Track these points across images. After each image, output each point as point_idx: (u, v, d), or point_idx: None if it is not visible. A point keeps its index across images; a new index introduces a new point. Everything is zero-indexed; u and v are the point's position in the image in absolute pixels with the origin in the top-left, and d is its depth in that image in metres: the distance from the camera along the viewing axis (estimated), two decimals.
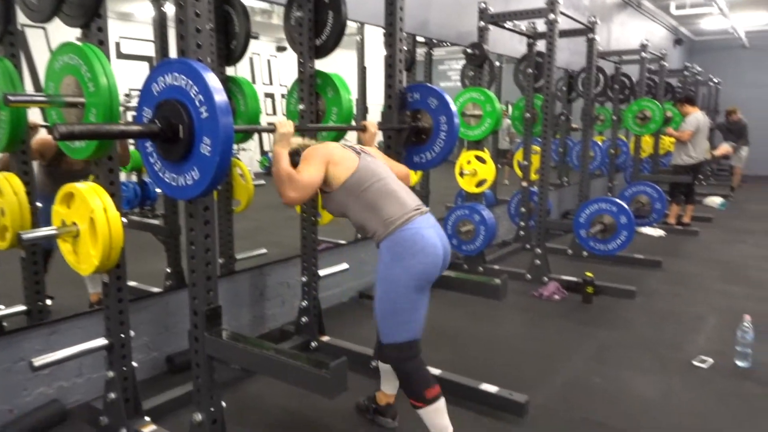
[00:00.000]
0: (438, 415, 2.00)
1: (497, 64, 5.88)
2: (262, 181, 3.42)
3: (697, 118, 6.33)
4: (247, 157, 6.75)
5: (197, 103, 1.52)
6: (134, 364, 2.16)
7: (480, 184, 4.18)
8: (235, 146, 4.26)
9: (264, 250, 3.51)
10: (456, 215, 4.25)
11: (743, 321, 2.98)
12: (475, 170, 4.16)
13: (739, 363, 2.96)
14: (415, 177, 4.80)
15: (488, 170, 4.14)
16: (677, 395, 2.69)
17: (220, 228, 3.18)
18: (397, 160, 2.68)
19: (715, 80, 11.18)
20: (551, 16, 4.03)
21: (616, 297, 4.05)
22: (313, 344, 2.99)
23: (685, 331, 3.47)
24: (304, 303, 2.98)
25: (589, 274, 4.03)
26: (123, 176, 3.59)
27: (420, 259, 1.90)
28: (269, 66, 6.89)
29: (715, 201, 8.35)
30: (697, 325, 3.58)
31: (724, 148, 8.80)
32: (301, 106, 2.78)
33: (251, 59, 6.55)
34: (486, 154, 4.15)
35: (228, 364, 2.11)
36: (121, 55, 4.34)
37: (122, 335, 2.10)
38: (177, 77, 1.56)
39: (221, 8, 2.98)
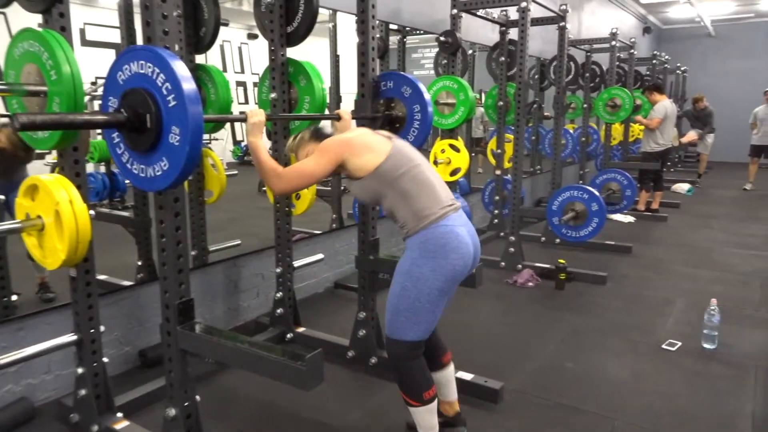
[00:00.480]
0: (430, 414, 1.95)
1: (470, 52, 5.89)
2: (235, 171, 3.37)
3: (665, 106, 6.45)
4: (220, 146, 6.63)
5: (165, 92, 1.48)
6: (105, 359, 2.12)
7: (454, 172, 4.19)
8: (206, 136, 4.23)
9: (238, 242, 3.47)
10: None
11: (710, 305, 3.07)
12: (449, 159, 4.16)
13: (706, 345, 3.04)
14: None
15: (462, 159, 4.14)
16: (647, 378, 2.76)
17: (192, 219, 3.13)
18: None
19: (683, 68, 11.40)
20: (523, 4, 4.04)
21: (588, 283, 4.12)
22: (289, 336, 2.97)
23: (654, 315, 3.56)
24: (279, 294, 2.96)
25: (561, 261, 4.08)
26: (91, 167, 3.51)
27: (452, 260, 1.83)
28: (241, 53, 6.76)
29: (682, 187, 8.54)
30: (666, 309, 3.66)
31: (691, 135, 9.00)
32: (273, 95, 2.74)
33: (222, 47, 6.41)
34: (460, 143, 4.16)
35: (201, 357, 2.08)
36: (86, 42, 4.21)
37: (92, 330, 2.05)
38: (143, 65, 1.52)
39: None
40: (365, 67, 2.56)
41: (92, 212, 1.82)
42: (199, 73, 2.96)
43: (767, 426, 2.34)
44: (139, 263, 3.14)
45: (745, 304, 3.78)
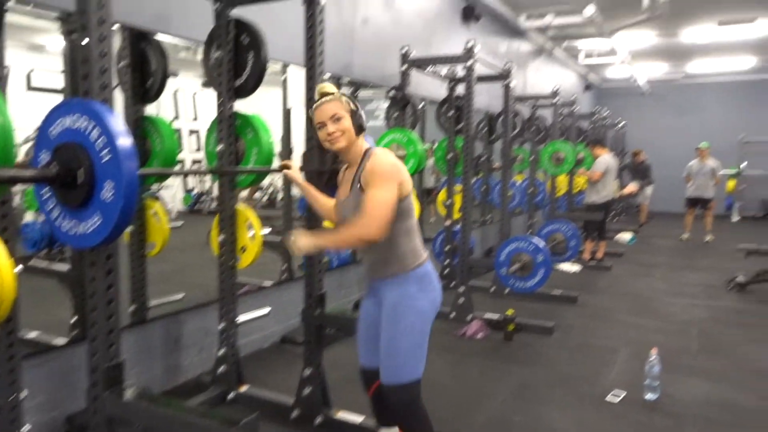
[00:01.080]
0: None
1: (421, 105, 6.05)
2: (180, 222, 3.29)
3: (606, 159, 6.77)
4: (170, 194, 6.52)
5: (99, 146, 1.45)
6: (27, 426, 1.97)
7: None
8: (155, 185, 4.13)
9: (181, 295, 3.36)
10: None
11: (650, 355, 3.14)
12: None
13: (648, 395, 3.09)
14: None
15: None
16: (592, 429, 2.77)
17: (132, 273, 3.02)
18: None
19: (621, 124, 12.04)
20: (469, 62, 4.22)
21: (535, 333, 4.17)
22: (231, 395, 2.85)
23: (599, 365, 3.61)
24: (222, 351, 2.85)
25: (510, 311, 4.12)
26: (30, 215, 3.36)
27: (437, 294, 2.02)
28: (194, 102, 6.74)
29: (625, 237, 8.87)
30: (611, 359, 3.73)
31: (632, 186, 9.43)
32: (219, 147, 2.72)
33: (175, 95, 6.39)
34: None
35: (130, 425, 1.96)
36: (31, 88, 4.13)
37: (13, 396, 1.91)
38: (77, 119, 1.48)
39: (137, 46, 2.90)
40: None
41: (19, 267, 1.72)
42: (144, 124, 2.91)
43: None
44: (74, 320, 2.97)
45: (684, 352, 3.89)
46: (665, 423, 2.85)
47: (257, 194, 7.40)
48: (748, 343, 4.12)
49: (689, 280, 6.27)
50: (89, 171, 1.46)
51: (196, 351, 3.23)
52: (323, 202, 2.24)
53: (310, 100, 2.60)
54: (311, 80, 2.59)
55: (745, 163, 12.48)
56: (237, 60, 2.69)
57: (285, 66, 4.11)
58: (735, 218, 12.26)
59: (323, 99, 1.93)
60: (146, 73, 2.90)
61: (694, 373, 3.51)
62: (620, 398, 3.10)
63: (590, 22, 7.10)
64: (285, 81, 4.25)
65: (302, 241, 1.88)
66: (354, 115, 1.91)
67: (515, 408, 2.99)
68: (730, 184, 12.36)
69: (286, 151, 4.33)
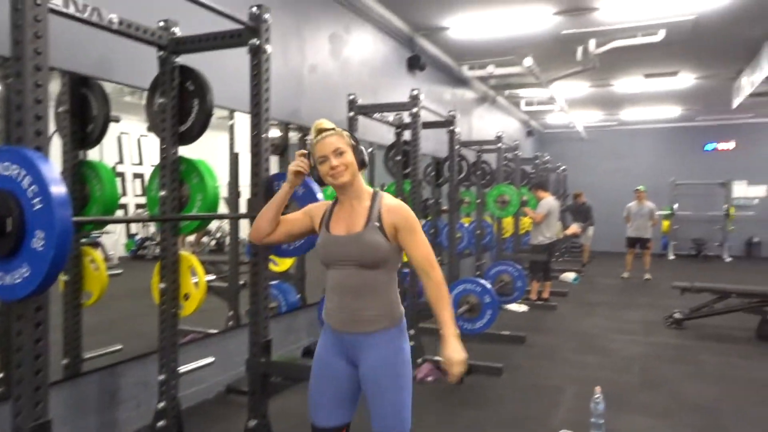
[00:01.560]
0: None
1: (369, 150, 6.16)
2: (120, 270, 3.18)
3: (548, 202, 7.03)
4: (112, 240, 6.29)
5: (30, 194, 1.40)
6: None
7: None
8: (94, 231, 3.99)
9: (119, 347, 3.20)
10: None
11: (595, 393, 3.20)
12: None
13: None
14: (288, 261, 4.77)
15: None
16: None
17: (65, 324, 2.87)
18: (264, 248, 2.65)
19: (562, 168, 12.57)
20: (414, 109, 4.35)
21: (485, 374, 4.19)
22: None
23: (547, 405, 3.65)
24: (162, 404, 2.72)
25: None
26: None
27: None
28: (139, 145, 6.62)
29: (569, 276, 9.13)
30: (558, 398, 3.78)
31: (573, 228, 9.80)
32: (162, 193, 2.67)
33: (119, 139, 6.27)
34: None
35: None
36: None
37: None
38: (8, 167, 1.44)
39: (78, 91, 2.85)
40: (258, 167, 2.59)
41: None
42: (83, 169, 2.84)
43: None
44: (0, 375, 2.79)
45: (627, 389, 3.99)
46: None
47: (204, 239, 7.24)
48: (686, 378, 4.27)
49: (630, 317, 6.48)
50: (19, 219, 1.41)
51: (134, 405, 3.07)
52: (279, 211, 2.01)
53: (255, 146, 2.61)
54: (257, 126, 2.60)
55: (677, 205, 13.20)
56: (181, 106, 2.68)
57: (232, 111, 4.12)
58: (671, 257, 12.86)
59: (325, 133, 1.88)
60: (87, 118, 2.85)
61: (636, 410, 3.59)
62: None
63: (529, 72, 7.48)
64: (232, 126, 4.25)
65: (457, 355, 1.82)
66: (355, 149, 1.89)
67: None
68: (665, 224, 13.03)
69: (234, 196, 4.30)
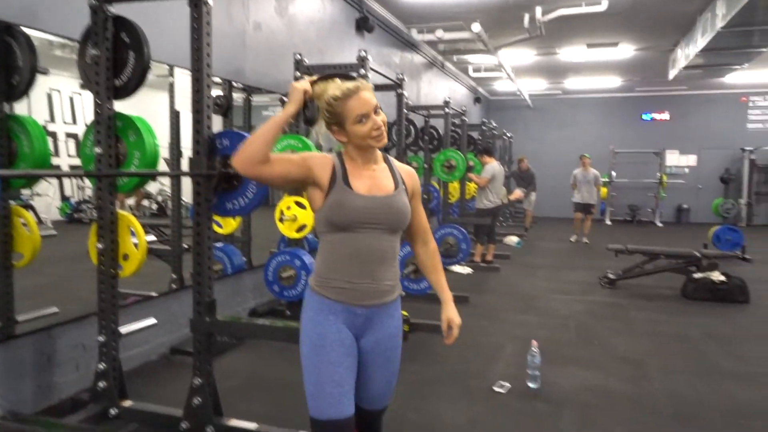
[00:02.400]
0: None
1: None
2: (53, 231, 3.06)
3: (493, 167, 7.18)
4: (44, 203, 6.00)
5: None
6: None
7: (300, 229, 4.21)
8: (27, 191, 3.80)
9: (54, 309, 3.10)
10: (277, 261, 4.20)
11: (531, 347, 3.37)
12: (294, 216, 4.18)
13: (531, 385, 3.31)
14: (233, 223, 4.71)
15: (308, 216, 4.19)
16: (481, 420, 2.92)
17: None
18: (207, 207, 2.60)
19: (508, 134, 12.81)
20: (362, 71, 4.30)
21: (429, 332, 4.31)
22: (113, 411, 2.67)
23: (487, 360, 3.81)
24: (102, 366, 2.67)
25: (405, 312, 4.23)
26: None
27: None
28: (72, 104, 6.28)
29: (512, 240, 9.43)
30: (498, 354, 3.95)
31: (517, 193, 10.08)
32: (97, 150, 2.56)
33: (50, 96, 5.91)
34: (305, 200, 4.21)
35: None
36: None
37: None
38: None
39: (1, 39, 2.67)
40: (200, 124, 2.52)
41: None
42: (9, 124, 2.68)
43: None
44: None
45: (562, 344, 4.21)
46: (545, 409, 3.07)
47: (145, 202, 7.02)
48: (617, 333, 4.54)
49: (568, 278, 6.79)
50: None
51: (73, 368, 3.00)
52: (279, 134, 1.64)
53: (197, 103, 2.53)
54: (198, 82, 2.52)
55: (615, 172, 13.75)
56: (116, 59, 2.56)
57: (171, 68, 3.97)
58: (608, 222, 13.45)
59: (362, 86, 1.64)
60: (12, 69, 2.68)
61: (571, 363, 3.80)
62: (506, 389, 3.29)
63: (477, 38, 7.51)
64: (172, 85, 4.10)
65: (459, 317, 1.82)
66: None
67: (410, 405, 3.07)
68: (603, 191, 13.55)
69: (176, 156, 4.17)
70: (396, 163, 1.77)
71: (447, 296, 1.85)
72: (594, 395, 3.27)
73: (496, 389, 3.29)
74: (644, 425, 2.90)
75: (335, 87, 1.63)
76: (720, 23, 6.32)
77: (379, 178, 1.69)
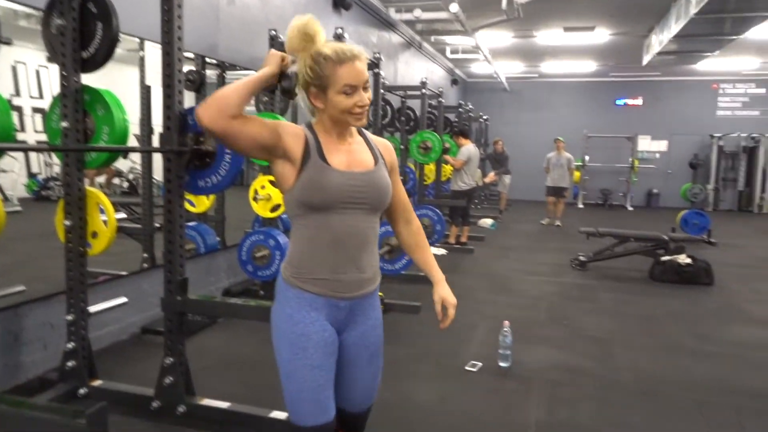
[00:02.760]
0: None
1: None
2: (18, 208, 2.98)
3: (469, 149, 7.20)
4: (10, 179, 5.83)
5: None
6: None
7: (275, 208, 4.18)
8: None
9: (21, 287, 3.03)
10: (251, 241, 4.17)
11: (503, 327, 3.42)
12: (269, 195, 4.14)
13: (502, 364, 3.38)
14: (207, 201, 4.64)
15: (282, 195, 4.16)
16: (452, 399, 2.97)
17: None
18: (179, 184, 2.56)
19: (484, 117, 12.86)
20: None
21: (403, 313, 4.35)
22: (82, 391, 2.64)
23: (460, 340, 3.86)
24: (71, 345, 2.63)
25: (380, 293, 4.25)
26: None
27: None
28: (39, 77, 6.07)
29: (487, 222, 9.51)
30: (470, 334, 4.00)
31: (491, 175, 10.14)
32: (64, 123, 2.49)
33: (15, 68, 5.71)
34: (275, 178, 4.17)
35: None
36: None
37: None
38: None
39: None
40: (171, 99, 2.46)
41: None
42: None
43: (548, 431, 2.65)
44: None
45: (533, 324, 4.29)
46: (515, 387, 3.13)
47: (116, 180, 6.87)
48: (586, 314, 4.64)
49: (541, 260, 6.89)
50: None
51: (40, 347, 2.95)
52: (254, 92, 1.47)
53: (168, 77, 2.47)
54: (169, 56, 2.46)
55: (588, 156, 13.95)
56: (83, 30, 2.48)
57: (142, 42, 3.86)
58: (580, 205, 13.67)
59: (357, 55, 1.46)
60: None
61: (541, 342, 3.88)
62: (477, 368, 3.35)
63: (455, 18, 7.47)
64: (143, 59, 3.99)
65: (453, 297, 1.72)
66: None
67: (383, 384, 3.08)
68: (576, 175, 13.74)
69: (146, 132, 4.08)
70: (372, 137, 1.63)
71: (438, 275, 1.72)
72: (562, 373, 3.35)
73: (468, 368, 3.35)
74: (609, 401, 2.99)
75: (329, 45, 1.47)
76: (693, 10, 6.41)
77: (358, 152, 1.54)
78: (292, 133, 1.48)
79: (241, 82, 1.43)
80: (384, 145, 1.64)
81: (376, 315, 1.63)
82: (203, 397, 2.59)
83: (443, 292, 1.70)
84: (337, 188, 1.45)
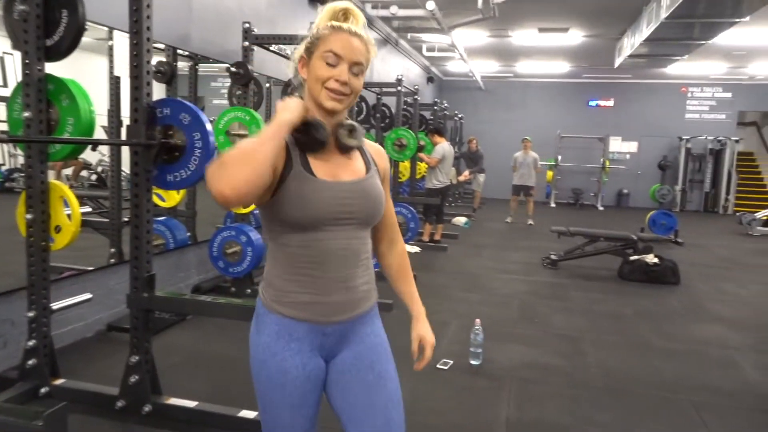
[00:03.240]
0: None
1: (267, 85, 5.92)
2: None
3: (443, 147, 7.22)
4: None
5: None
6: None
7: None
8: None
9: None
10: (222, 236, 4.11)
11: (475, 325, 3.44)
12: None
13: (473, 362, 3.39)
14: (177, 196, 4.55)
15: None
16: (423, 396, 2.97)
17: None
18: (146, 178, 2.50)
19: (459, 115, 12.91)
20: None
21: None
22: (44, 390, 2.56)
23: None
24: (32, 342, 2.55)
25: None
26: None
27: None
28: (3, 65, 5.87)
29: (460, 220, 9.57)
30: (442, 331, 4.01)
31: (465, 174, 10.20)
32: (26, 114, 2.40)
33: None
34: None
35: None
36: None
37: None
38: None
39: None
40: (139, 91, 2.40)
41: None
42: None
43: (518, 429, 2.67)
44: None
45: (505, 322, 4.33)
46: (486, 384, 3.15)
47: (83, 173, 6.69)
48: (557, 312, 4.70)
49: (513, 258, 6.96)
50: None
51: (0, 344, 2.85)
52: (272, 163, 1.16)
53: (136, 68, 2.40)
54: (137, 46, 2.39)
55: (560, 156, 14.14)
56: (48, 16, 2.40)
57: (111, 31, 3.75)
58: (552, 204, 13.85)
59: (354, 30, 1.27)
60: None
61: (512, 340, 3.91)
62: (449, 366, 3.36)
63: (431, 16, 7.47)
64: (111, 48, 3.88)
65: (433, 336, 1.53)
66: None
67: None
68: (549, 174, 13.96)
69: (115, 124, 3.98)
70: (368, 142, 1.42)
71: (418, 309, 1.53)
72: (532, 371, 3.38)
73: (440, 366, 3.35)
74: (577, 398, 3.03)
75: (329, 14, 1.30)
76: (664, 14, 6.53)
77: (342, 158, 1.32)
78: None
79: (257, 143, 1.13)
80: (377, 150, 1.43)
81: (374, 332, 1.43)
82: (170, 396, 2.54)
83: (422, 330, 1.52)
84: (325, 204, 1.24)
